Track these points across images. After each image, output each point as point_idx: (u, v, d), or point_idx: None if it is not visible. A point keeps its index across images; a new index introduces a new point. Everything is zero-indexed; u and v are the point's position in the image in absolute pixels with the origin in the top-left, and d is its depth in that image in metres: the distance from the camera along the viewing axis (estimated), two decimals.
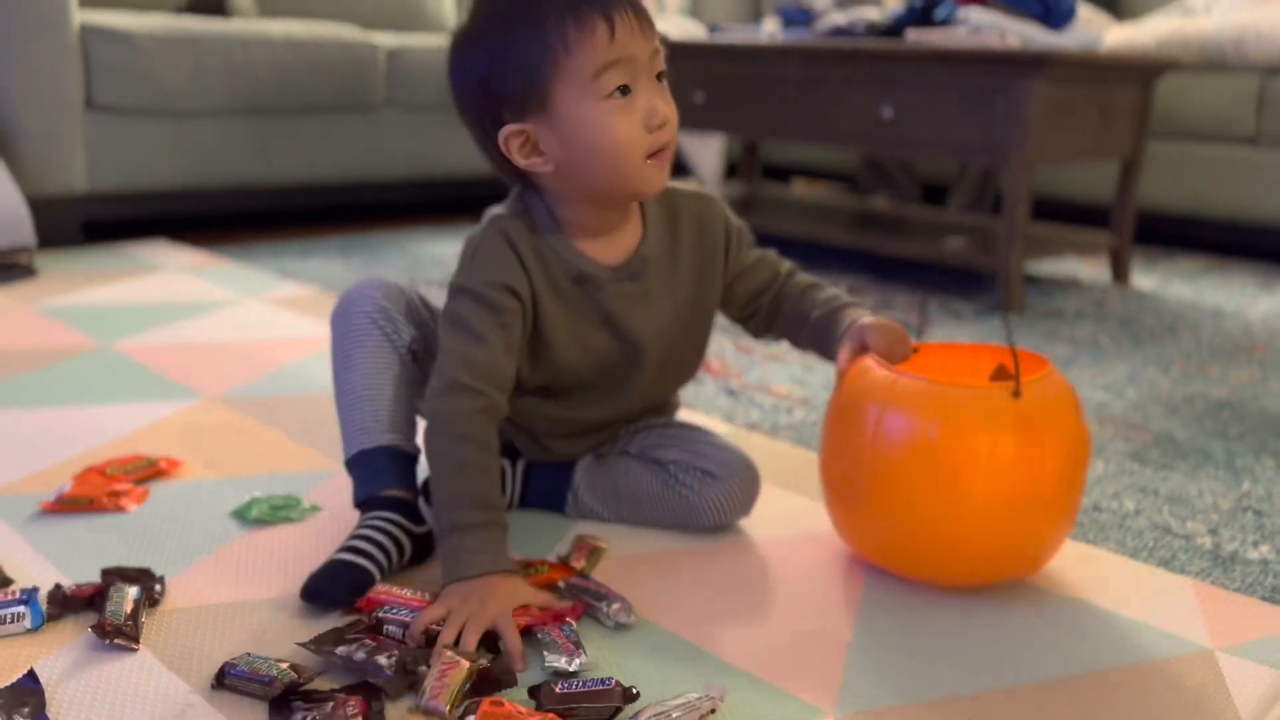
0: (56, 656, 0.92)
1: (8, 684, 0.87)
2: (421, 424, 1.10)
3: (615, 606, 1.01)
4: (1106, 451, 1.53)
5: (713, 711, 0.86)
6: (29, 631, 0.96)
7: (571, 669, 0.91)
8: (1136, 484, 1.42)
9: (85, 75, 2.58)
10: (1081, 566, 1.17)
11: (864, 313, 1.17)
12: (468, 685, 0.87)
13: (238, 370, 1.73)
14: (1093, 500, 1.35)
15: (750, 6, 4.66)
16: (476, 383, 1.05)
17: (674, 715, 0.84)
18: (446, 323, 1.08)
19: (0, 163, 2.39)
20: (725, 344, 2.00)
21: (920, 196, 3.62)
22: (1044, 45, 2.37)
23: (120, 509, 1.20)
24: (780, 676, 0.94)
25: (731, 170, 4.09)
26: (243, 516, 1.20)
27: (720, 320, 1.27)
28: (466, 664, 0.87)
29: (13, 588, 1.01)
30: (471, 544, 1.00)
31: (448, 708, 0.84)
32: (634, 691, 0.88)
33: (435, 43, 3.19)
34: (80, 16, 2.59)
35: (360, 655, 0.90)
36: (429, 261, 2.66)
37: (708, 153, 3.94)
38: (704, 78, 2.87)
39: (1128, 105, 2.49)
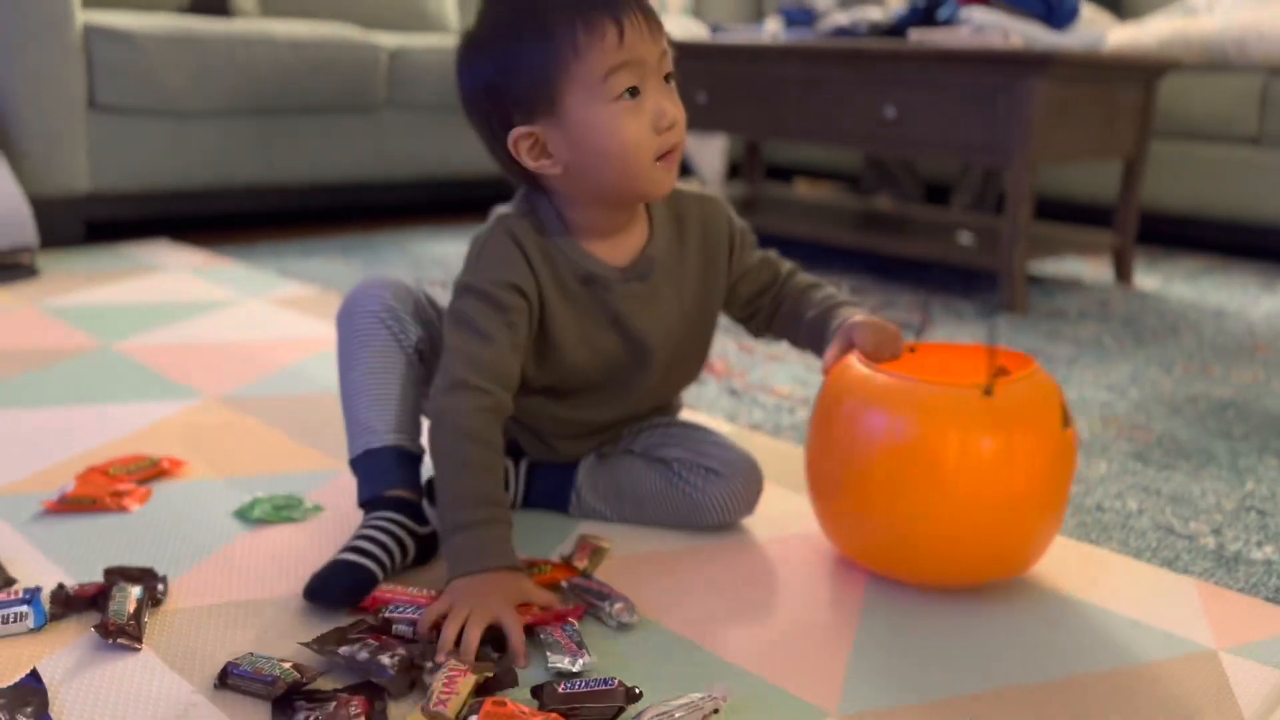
0: (59, 656, 0.92)
1: (11, 684, 0.87)
2: (427, 424, 1.10)
3: (618, 606, 1.01)
4: (1109, 451, 1.53)
5: (715, 712, 0.86)
6: (32, 631, 0.96)
7: (575, 670, 0.91)
8: (1139, 484, 1.41)
9: (88, 75, 2.58)
10: (1084, 567, 1.17)
11: (857, 311, 1.17)
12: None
13: (240, 370, 1.74)
14: (1095, 500, 1.35)
15: (752, 6, 4.66)
16: (482, 381, 1.05)
17: (677, 715, 0.84)
18: (452, 321, 1.08)
19: (3, 162, 2.40)
20: (728, 344, 2.00)
21: (923, 196, 3.62)
22: (1047, 45, 2.37)
23: (123, 509, 1.21)
24: (783, 676, 0.94)
25: (734, 170, 4.09)
26: (245, 516, 1.20)
27: (723, 320, 1.27)
28: (474, 675, 0.87)
29: (16, 587, 1.01)
30: (475, 541, 1.00)
31: (453, 716, 0.83)
32: (637, 691, 0.88)
33: (437, 43, 3.19)
34: (83, 16, 2.59)
35: (363, 655, 0.90)
36: (430, 262, 2.66)
37: (710, 153, 3.94)
38: (706, 78, 2.87)
39: (1130, 105, 2.49)
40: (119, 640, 0.93)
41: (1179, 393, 1.82)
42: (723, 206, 1.21)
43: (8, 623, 0.95)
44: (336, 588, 1.01)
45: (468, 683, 0.86)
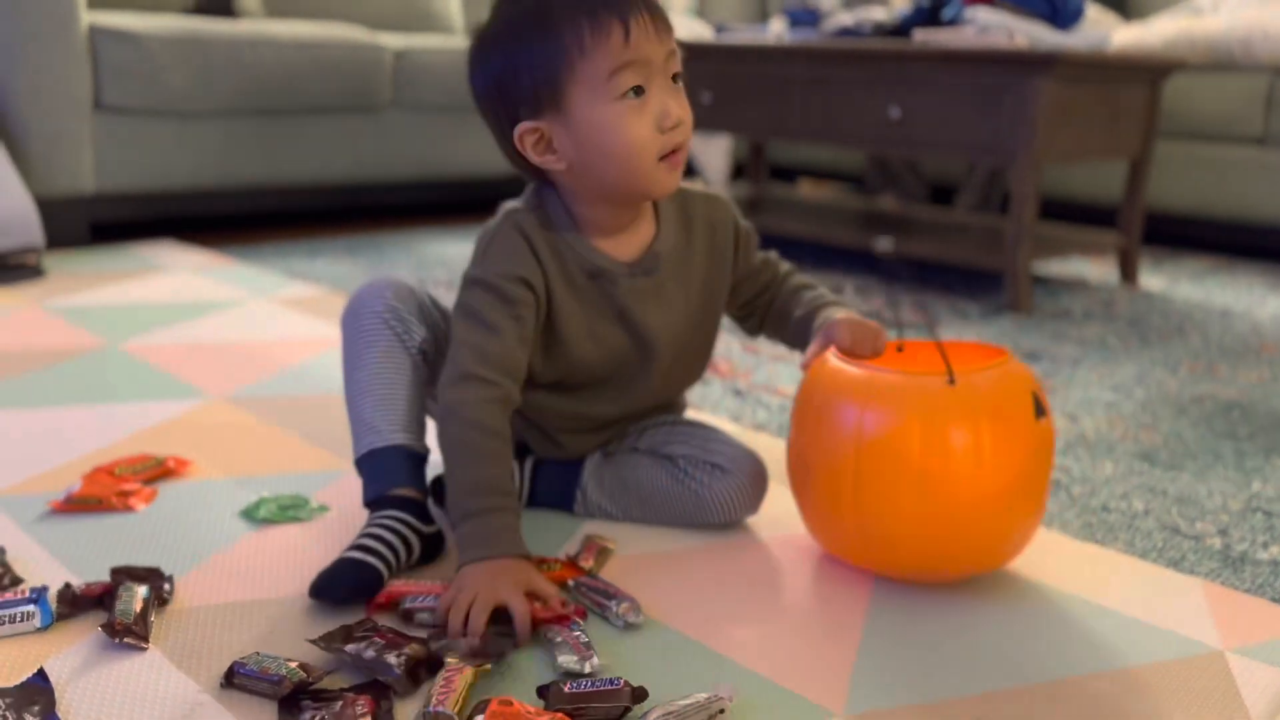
0: (66, 655, 0.92)
1: (18, 682, 0.87)
2: (432, 425, 1.10)
3: (624, 606, 1.01)
4: (1115, 452, 1.53)
5: (721, 711, 0.86)
6: (39, 630, 0.96)
7: (585, 671, 0.91)
8: (1145, 484, 1.41)
9: (93, 76, 2.58)
10: (1090, 567, 1.17)
11: (842, 310, 1.18)
12: (473, 689, 0.87)
13: (245, 370, 1.74)
14: (1101, 501, 1.35)
15: (757, 7, 4.65)
16: (489, 373, 1.06)
17: (683, 715, 0.84)
18: (459, 314, 1.09)
19: (8, 163, 2.40)
20: (732, 344, 2.00)
21: (927, 197, 3.62)
22: (1052, 45, 2.37)
23: (129, 508, 1.21)
24: (788, 677, 0.94)
25: (738, 171, 4.09)
26: (251, 516, 1.20)
27: (727, 321, 1.28)
28: (470, 669, 0.88)
29: (22, 587, 1.01)
30: (484, 528, 1.01)
31: (455, 709, 0.84)
32: (643, 691, 0.88)
33: (442, 44, 3.19)
34: (88, 17, 2.59)
35: (370, 653, 0.90)
36: (435, 262, 2.66)
37: (714, 153, 3.94)
38: (711, 78, 2.87)
39: (1135, 105, 2.49)
40: (125, 639, 0.93)
41: (1185, 393, 1.82)
42: (729, 206, 1.22)
43: (15, 622, 0.95)
44: (342, 586, 1.01)
45: (465, 677, 0.87)
